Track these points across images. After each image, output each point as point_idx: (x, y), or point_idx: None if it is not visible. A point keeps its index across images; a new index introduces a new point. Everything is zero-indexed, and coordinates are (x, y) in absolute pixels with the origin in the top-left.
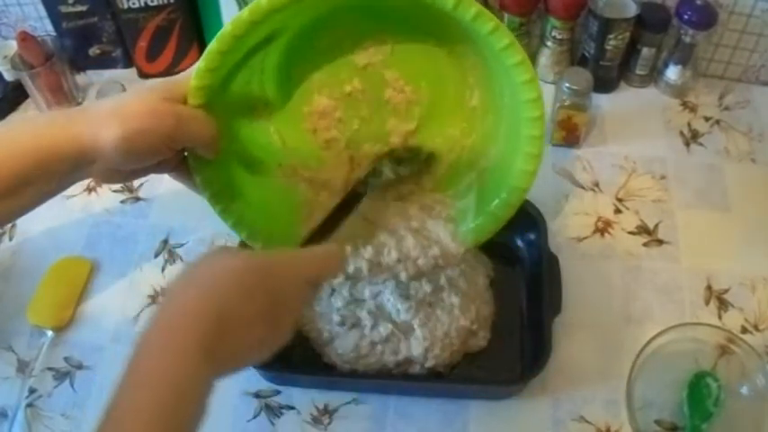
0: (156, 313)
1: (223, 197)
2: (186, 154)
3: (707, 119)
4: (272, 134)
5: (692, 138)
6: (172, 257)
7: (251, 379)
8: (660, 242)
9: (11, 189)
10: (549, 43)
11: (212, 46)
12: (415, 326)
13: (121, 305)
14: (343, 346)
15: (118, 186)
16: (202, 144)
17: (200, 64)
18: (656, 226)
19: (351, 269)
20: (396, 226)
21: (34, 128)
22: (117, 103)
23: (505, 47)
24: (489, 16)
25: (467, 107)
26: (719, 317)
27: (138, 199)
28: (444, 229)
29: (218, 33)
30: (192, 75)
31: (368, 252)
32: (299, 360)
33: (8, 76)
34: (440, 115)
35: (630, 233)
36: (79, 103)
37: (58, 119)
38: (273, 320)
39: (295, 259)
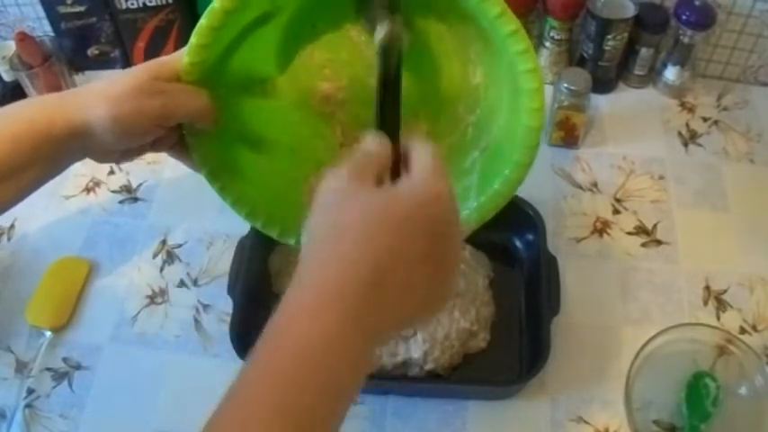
0: (302, 275)
1: (222, 174)
2: (184, 132)
3: (705, 119)
4: (283, 118)
5: (690, 138)
6: (170, 258)
7: None
8: (658, 243)
9: (7, 173)
10: (547, 44)
11: (203, 22)
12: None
13: (120, 306)
14: None
15: (117, 187)
16: (196, 117)
17: (192, 40)
18: (655, 226)
19: None
20: None
21: (28, 112)
22: (107, 83)
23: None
24: None
25: (470, 84)
26: (718, 317)
27: (136, 199)
28: None
29: (208, 9)
30: (185, 51)
31: None
32: None
33: (7, 77)
34: (447, 95)
35: (629, 234)
36: None
37: (50, 102)
38: (437, 261)
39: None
